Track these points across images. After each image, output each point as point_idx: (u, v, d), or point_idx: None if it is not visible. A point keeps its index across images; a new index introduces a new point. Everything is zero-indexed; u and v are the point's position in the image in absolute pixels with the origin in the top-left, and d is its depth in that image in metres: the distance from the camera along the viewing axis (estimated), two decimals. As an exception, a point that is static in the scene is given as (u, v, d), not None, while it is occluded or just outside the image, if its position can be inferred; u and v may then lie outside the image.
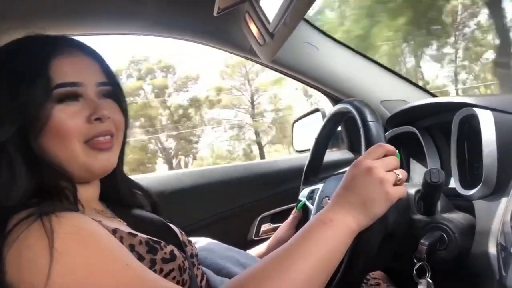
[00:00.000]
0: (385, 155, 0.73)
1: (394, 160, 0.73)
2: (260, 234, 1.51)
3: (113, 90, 0.75)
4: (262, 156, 20.18)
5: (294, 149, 1.71)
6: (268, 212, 1.52)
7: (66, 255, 0.55)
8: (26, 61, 0.68)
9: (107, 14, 1.16)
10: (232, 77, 21.09)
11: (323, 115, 1.48)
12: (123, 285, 0.57)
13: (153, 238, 0.68)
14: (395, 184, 0.70)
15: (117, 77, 0.78)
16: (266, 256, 0.64)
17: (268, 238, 1.14)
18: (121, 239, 0.64)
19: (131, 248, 0.64)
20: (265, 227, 1.53)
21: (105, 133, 0.70)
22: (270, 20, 0.91)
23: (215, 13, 0.92)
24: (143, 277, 0.59)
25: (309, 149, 1.20)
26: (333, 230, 0.66)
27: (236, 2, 0.93)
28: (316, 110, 1.55)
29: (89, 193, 0.75)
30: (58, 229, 0.56)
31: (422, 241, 0.78)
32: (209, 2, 0.93)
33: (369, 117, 0.82)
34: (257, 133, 21.17)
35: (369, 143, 0.78)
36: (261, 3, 0.93)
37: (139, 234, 0.68)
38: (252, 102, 21.13)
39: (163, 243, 0.69)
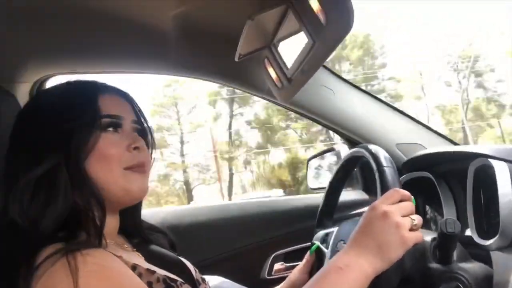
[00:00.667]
0: (401, 200, 0.74)
1: (409, 205, 0.73)
2: (273, 273, 1.48)
3: (143, 129, 0.82)
4: (189, 198, 19.82)
5: (309, 186, 1.71)
6: (282, 251, 1.49)
7: None
8: (77, 96, 0.76)
9: (130, 54, 1.21)
10: (160, 117, 20.89)
11: (338, 155, 1.49)
12: None
13: (170, 276, 0.70)
14: (410, 229, 0.70)
15: (146, 119, 0.85)
16: None
17: (281, 277, 1.12)
18: (140, 275, 0.66)
19: (149, 285, 0.66)
20: (278, 266, 1.49)
21: (142, 164, 0.76)
22: (289, 66, 0.94)
23: (236, 59, 0.95)
24: None
25: (323, 187, 1.20)
26: (349, 275, 0.66)
27: (256, 48, 0.97)
28: (332, 149, 1.56)
29: (111, 225, 0.77)
30: (82, 268, 0.59)
31: None
32: (229, 46, 0.96)
33: (384, 163, 0.83)
34: (185, 174, 20.71)
35: (385, 188, 0.78)
36: (280, 49, 0.97)
37: (157, 271, 0.69)
38: (182, 142, 20.82)
39: (179, 281, 0.70)
